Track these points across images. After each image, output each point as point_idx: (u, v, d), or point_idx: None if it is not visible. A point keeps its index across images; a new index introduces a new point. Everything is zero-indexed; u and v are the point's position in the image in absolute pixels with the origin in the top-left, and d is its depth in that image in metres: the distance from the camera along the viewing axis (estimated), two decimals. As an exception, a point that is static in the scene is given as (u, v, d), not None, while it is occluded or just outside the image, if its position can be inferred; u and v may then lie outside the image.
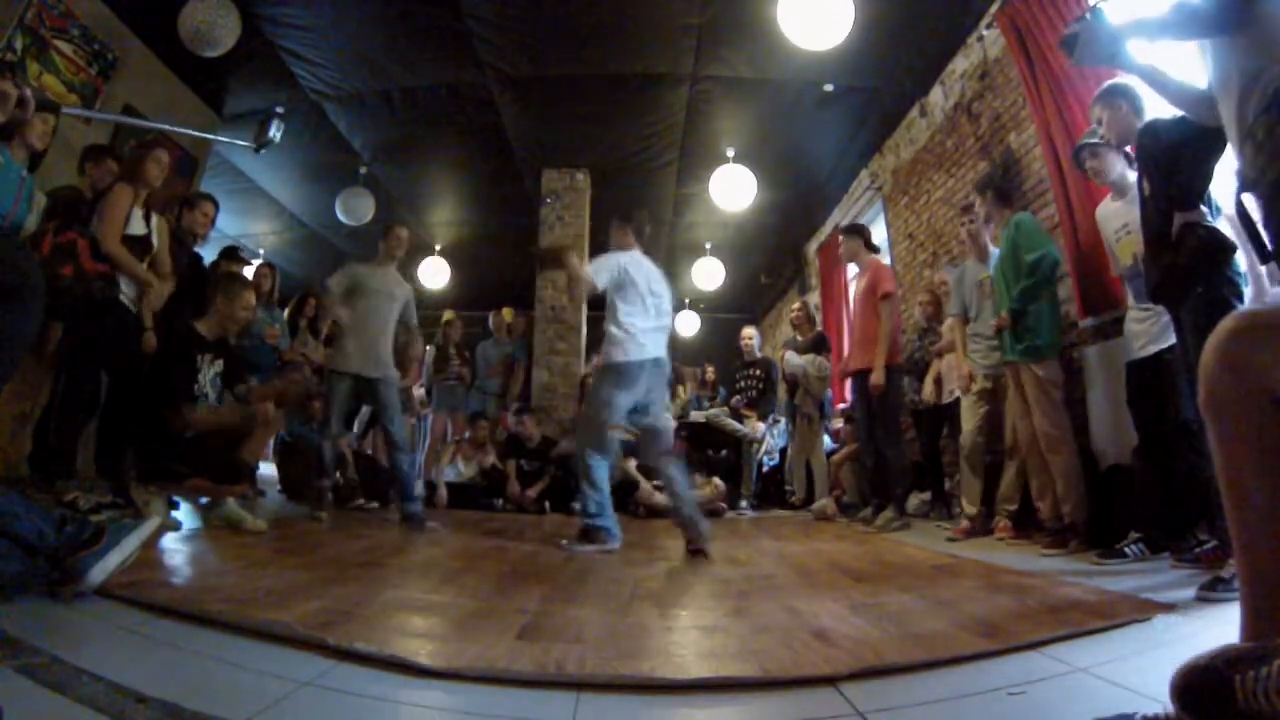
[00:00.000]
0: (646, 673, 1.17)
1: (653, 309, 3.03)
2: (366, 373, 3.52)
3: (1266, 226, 1.16)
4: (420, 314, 4.04)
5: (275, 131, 2.27)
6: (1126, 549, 2.28)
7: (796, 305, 5.71)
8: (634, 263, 3.05)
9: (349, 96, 5.09)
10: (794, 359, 5.13)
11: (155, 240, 3.02)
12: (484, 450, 5.27)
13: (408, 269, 7.34)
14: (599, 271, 2.96)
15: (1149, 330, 2.40)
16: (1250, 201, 1.20)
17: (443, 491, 4.92)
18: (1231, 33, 1.23)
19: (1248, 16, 1.18)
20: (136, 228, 2.90)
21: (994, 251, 3.39)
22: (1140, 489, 2.45)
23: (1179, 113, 1.94)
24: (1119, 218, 2.51)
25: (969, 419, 3.45)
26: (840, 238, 4.31)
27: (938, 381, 4.06)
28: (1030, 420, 2.95)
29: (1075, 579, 2.04)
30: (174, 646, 1.21)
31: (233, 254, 4.16)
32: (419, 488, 5.79)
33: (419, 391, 6.37)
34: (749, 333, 5.86)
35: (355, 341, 3.53)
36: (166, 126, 2.96)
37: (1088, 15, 1.55)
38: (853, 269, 4.92)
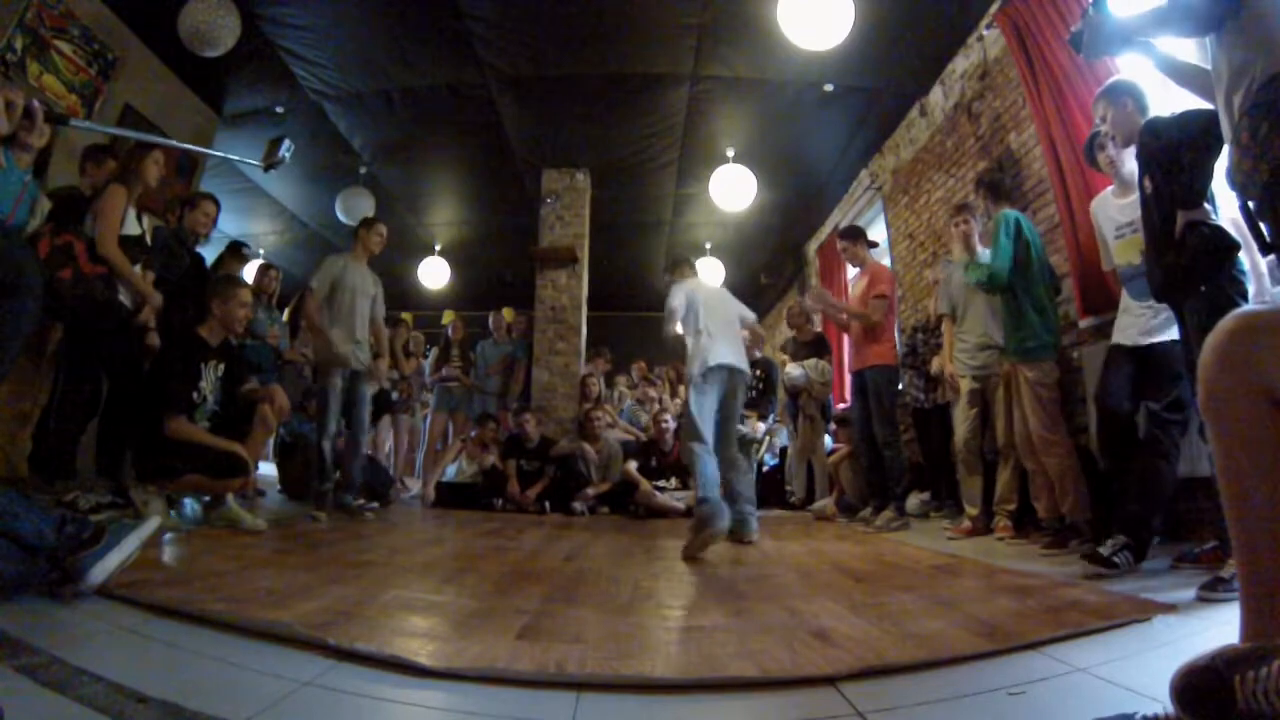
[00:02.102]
0: (646, 673, 1.17)
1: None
2: (354, 366, 3.62)
3: (1264, 225, 1.17)
4: (420, 314, 4.09)
5: (285, 152, 2.30)
6: (1115, 558, 2.10)
7: (794, 304, 5.66)
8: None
9: (349, 96, 5.09)
10: (794, 371, 5.06)
11: (149, 240, 3.02)
12: (487, 450, 5.28)
13: (400, 266, 7.39)
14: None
15: (1148, 323, 2.38)
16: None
17: (430, 491, 4.94)
18: (1224, 26, 1.22)
19: (1238, 8, 1.18)
20: (131, 228, 2.90)
21: (983, 251, 3.41)
22: (1112, 482, 2.41)
23: (1180, 110, 1.95)
24: (1123, 214, 2.47)
25: (961, 421, 3.46)
26: (840, 243, 4.30)
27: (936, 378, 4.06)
28: (1025, 421, 2.95)
29: (1075, 579, 2.04)
30: (174, 646, 1.21)
31: (236, 250, 4.17)
32: (416, 487, 5.83)
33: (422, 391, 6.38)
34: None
35: (342, 336, 3.58)
36: (183, 144, 2.95)
37: (1090, 10, 1.55)
38: (852, 268, 4.91)
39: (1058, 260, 3.37)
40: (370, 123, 5.46)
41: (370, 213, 6.02)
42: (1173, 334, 2.24)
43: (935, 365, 4.04)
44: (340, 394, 3.63)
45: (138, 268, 2.94)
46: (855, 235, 4.26)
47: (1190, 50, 1.67)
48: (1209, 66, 1.41)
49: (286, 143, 2.29)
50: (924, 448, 4.36)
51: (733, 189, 5.58)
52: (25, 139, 2.27)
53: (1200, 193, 1.90)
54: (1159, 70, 1.62)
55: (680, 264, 3.78)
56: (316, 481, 3.59)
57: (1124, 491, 2.28)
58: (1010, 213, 3.13)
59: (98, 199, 2.82)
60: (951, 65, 4.58)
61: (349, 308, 3.68)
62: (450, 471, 5.30)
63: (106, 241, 2.76)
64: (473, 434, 5.44)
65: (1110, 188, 2.62)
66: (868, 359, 3.93)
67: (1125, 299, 2.52)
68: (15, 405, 2.83)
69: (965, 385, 3.44)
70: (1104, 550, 2.13)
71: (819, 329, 5.57)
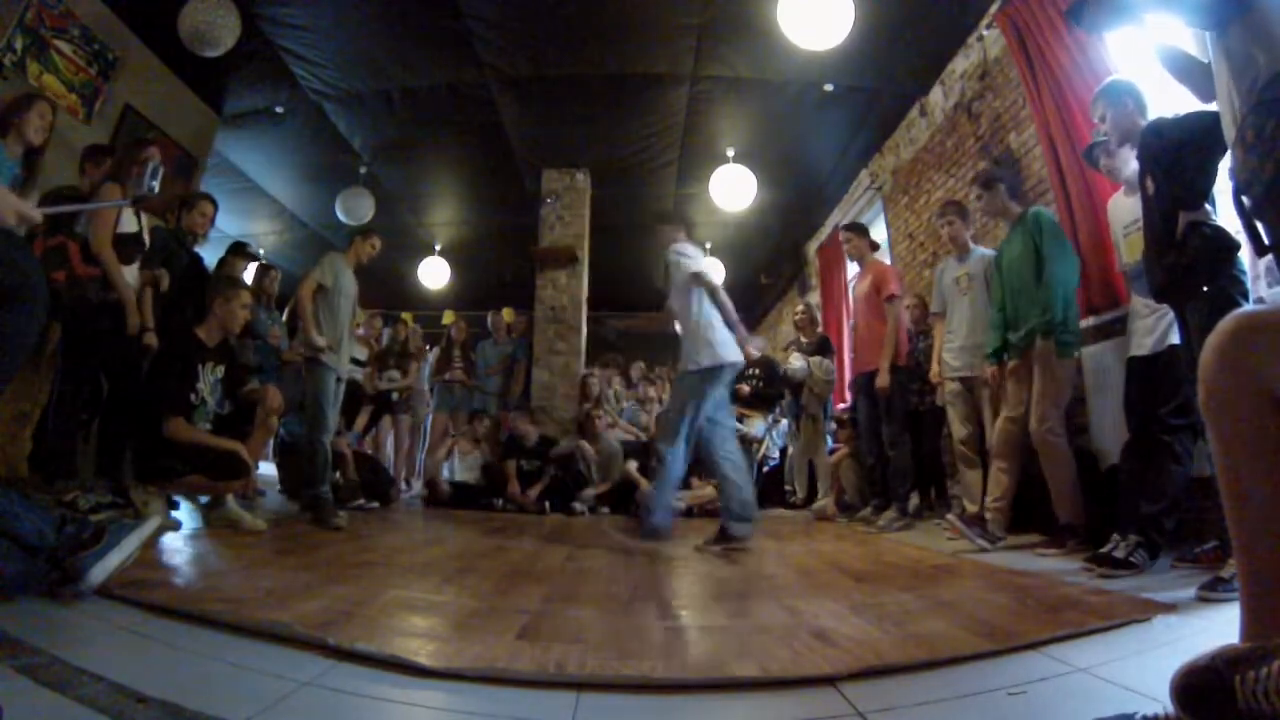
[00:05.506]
0: (646, 673, 1.17)
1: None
2: (342, 373, 3.55)
3: (1263, 227, 1.16)
4: (420, 314, 4.05)
5: (152, 180, 2.28)
6: (1133, 558, 2.11)
7: (800, 308, 5.63)
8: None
9: (349, 96, 5.09)
10: (795, 362, 5.09)
11: (146, 238, 3.03)
12: (479, 447, 5.28)
13: (400, 266, 7.38)
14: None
15: (1154, 326, 2.38)
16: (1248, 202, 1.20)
17: (444, 487, 4.95)
18: (1232, 22, 1.22)
19: (1246, 4, 1.17)
20: (128, 226, 2.90)
21: (975, 250, 3.46)
22: (1124, 489, 2.40)
23: (1182, 111, 1.95)
24: (1130, 213, 2.45)
25: (954, 420, 3.46)
26: (844, 235, 4.30)
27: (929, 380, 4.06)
28: (1008, 421, 2.89)
29: (1075, 579, 2.04)
30: (174, 646, 1.21)
31: (240, 250, 4.17)
32: (417, 486, 5.83)
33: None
34: None
35: (333, 340, 3.54)
36: (92, 204, 2.78)
37: None
38: (852, 269, 4.92)
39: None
40: (370, 123, 5.46)
41: (370, 213, 6.03)
42: (1176, 338, 2.24)
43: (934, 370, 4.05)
44: (334, 395, 3.56)
45: (135, 266, 2.94)
46: (861, 230, 4.26)
47: (1189, 44, 1.66)
48: (1207, 60, 1.40)
49: (152, 166, 2.29)
50: (914, 450, 4.33)
51: (733, 189, 5.58)
52: (25, 130, 2.30)
53: (1202, 193, 1.90)
54: (1159, 61, 1.61)
55: (685, 224, 3.46)
56: (317, 485, 3.34)
57: (1138, 493, 2.29)
58: (1046, 211, 3.02)
59: (92, 198, 2.82)
60: (951, 65, 4.58)
61: (340, 312, 3.59)
62: (446, 470, 5.31)
63: (101, 241, 2.76)
64: (462, 430, 5.45)
65: (1123, 188, 2.61)
66: (876, 360, 3.91)
67: (1134, 304, 2.51)
68: (15, 405, 2.83)
69: (949, 388, 3.45)
70: (1118, 552, 2.13)
71: (821, 328, 5.57)
